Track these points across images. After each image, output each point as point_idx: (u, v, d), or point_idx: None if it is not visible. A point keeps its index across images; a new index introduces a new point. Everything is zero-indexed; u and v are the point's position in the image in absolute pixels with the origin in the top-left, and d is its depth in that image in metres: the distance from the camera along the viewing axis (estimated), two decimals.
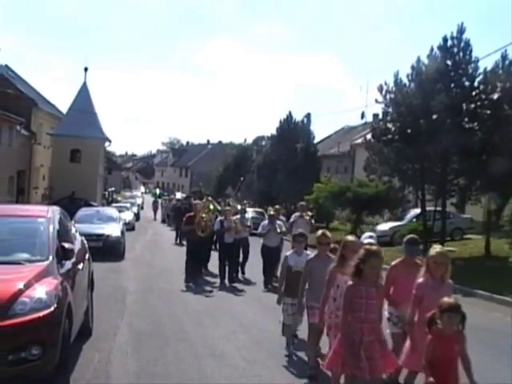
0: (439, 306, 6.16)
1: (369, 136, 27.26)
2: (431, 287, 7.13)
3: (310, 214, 19.48)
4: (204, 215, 18.53)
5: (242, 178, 22.24)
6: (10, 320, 6.45)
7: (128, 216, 39.66)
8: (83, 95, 51.96)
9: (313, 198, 36.03)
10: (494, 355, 10.29)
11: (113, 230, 24.41)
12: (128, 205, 50.90)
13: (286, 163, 45.91)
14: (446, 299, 6.23)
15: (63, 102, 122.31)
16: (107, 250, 22.63)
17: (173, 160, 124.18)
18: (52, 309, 6.77)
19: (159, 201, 61.50)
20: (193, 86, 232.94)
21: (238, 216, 19.69)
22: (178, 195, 67.09)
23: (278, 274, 16.10)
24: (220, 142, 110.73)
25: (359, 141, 45.48)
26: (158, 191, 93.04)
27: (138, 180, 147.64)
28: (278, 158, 47.24)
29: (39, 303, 6.72)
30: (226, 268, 18.35)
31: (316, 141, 53.40)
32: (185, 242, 24.00)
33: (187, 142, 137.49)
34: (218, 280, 18.18)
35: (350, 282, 6.75)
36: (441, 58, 23.22)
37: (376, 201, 32.16)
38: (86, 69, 53.54)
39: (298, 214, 19.15)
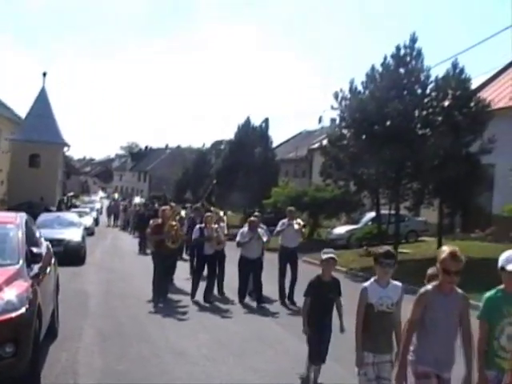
0: None
1: (325, 141, 27.82)
2: None
3: (300, 222, 16.78)
4: (174, 223, 15.96)
5: (214, 181, 21.62)
6: None
7: (87, 221, 39.77)
8: (42, 100, 52.02)
9: (271, 203, 36.60)
10: None
11: (73, 234, 24.60)
12: (87, 210, 50.95)
13: (244, 168, 46.29)
14: None
15: (22, 106, 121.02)
16: (68, 254, 22.77)
17: (131, 164, 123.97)
18: (24, 310, 7.14)
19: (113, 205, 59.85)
20: (150, 90, 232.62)
21: (224, 224, 17.24)
22: (137, 200, 67.00)
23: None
24: (179, 146, 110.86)
25: (317, 145, 46.16)
26: (116, 196, 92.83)
27: (96, 184, 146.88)
28: (236, 163, 47.62)
29: (11, 305, 7.07)
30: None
31: (274, 145, 53.89)
32: (149, 251, 23.89)
33: (146, 147, 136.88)
34: (186, 297, 16.02)
35: None
36: (394, 66, 23.88)
37: (333, 204, 32.80)
38: (44, 74, 53.65)
39: (285, 220, 16.55)
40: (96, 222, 50.20)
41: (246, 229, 15.94)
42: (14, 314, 6.99)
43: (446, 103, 23.54)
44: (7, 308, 7.02)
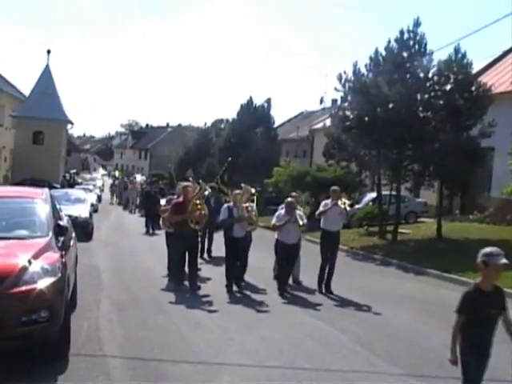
0: None
1: (328, 123, 28.29)
2: None
3: (347, 201, 15.32)
4: (198, 201, 14.35)
5: (229, 159, 21.57)
6: (22, 287, 7.32)
7: (92, 198, 40.19)
8: (46, 77, 52.39)
9: (273, 182, 37.12)
10: (441, 325, 11.34)
11: (81, 211, 24.92)
12: (91, 187, 51.43)
13: (246, 147, 46.66)
14: None
15: (26, 84, 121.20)
16: (76, 230, 23.24)
17: (132, 142, 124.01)
18: (57, 278, 7.71)
19: (117, 183, 59.74)
20: (151, 69, 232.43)
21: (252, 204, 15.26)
22: (138, 177, 67.32)
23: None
24: (179, 124, 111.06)
25: (318, 126, 46.64)
26: (117, 173, 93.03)
27: (96, 162, 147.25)
28: (238, 142, 47.94)
29: (46, 273, 7.62)
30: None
31: (276, 125, 54.23)
32: (158, 232, 23.92)
33: (146, 125, 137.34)
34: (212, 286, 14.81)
35: None
36: (397, 50, 24.32)
37: (334, 185, 33.12)
38: (48, 51, 53.95)
39: (328, 201, 15.15)
40: (99, 199, 50.64)
41: (282, 211, 14.47)
42: (48, 282, 7.54)
43: (448, 87, 24.00)
44: (43, 276, 7.56)
